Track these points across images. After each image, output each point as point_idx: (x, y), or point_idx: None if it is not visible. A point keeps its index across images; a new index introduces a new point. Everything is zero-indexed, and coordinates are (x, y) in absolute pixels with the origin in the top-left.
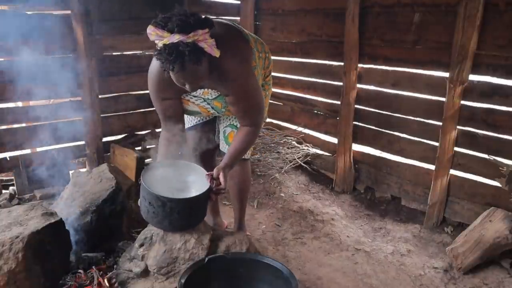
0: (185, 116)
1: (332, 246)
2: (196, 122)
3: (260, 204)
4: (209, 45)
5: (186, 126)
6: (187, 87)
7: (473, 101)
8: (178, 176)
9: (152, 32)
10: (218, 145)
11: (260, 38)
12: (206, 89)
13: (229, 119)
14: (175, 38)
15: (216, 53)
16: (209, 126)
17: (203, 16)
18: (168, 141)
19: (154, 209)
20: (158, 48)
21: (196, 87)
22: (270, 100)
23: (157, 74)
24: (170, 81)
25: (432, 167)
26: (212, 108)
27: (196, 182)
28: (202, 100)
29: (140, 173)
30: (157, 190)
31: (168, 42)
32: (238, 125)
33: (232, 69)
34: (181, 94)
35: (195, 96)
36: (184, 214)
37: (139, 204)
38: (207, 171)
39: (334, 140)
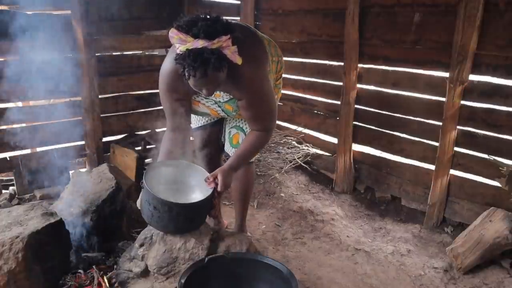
0: (193, 116)
1: (332, 246)
2: (203, 122)
3: (260, 204)
4: (231, 52)
5: (194, 126)
6: (203, 91)
7: (473, 101)
8: (180, 176)
9: (174, 35)
10: (224, 146)
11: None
12: (218, 92)
13: (236, 121)
14: (199, 43)
15: (238, 60)
16: (217, 127)
17: (225, 21)
18: (173, 141)
19: (160, 213)
20: (180, 53)
21: (213, 92)
22: None
23: (170, 74)
24: (183, 82)
25: (432, 167)
26: (223, 110)
27: (198, 183)
28: (213, 102)
29: (140, 173)
30: (160, 193)
31: (191, 47)
32: (244, 127)
33: (248, 74)
34: (192, 95)
35: (206, 98)
36: (190, 218)
37: (138, 207)
38: (212, 172)
39: (334, 140)
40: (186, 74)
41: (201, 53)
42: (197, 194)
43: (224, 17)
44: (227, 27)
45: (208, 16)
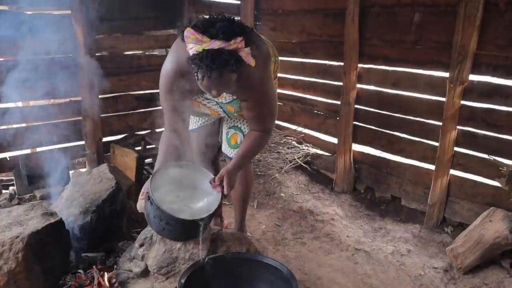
0: (190, 117)
1: (332, 246)
2: (201, 123)
3: (260, 204)
4: (246, 54)
5: (191, 127)
6: (213, 92)
7: (473, 101)
8: (183, 178)
9: (190, 35)
10: (221, 147)
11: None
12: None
13: (234, 121)
14: (216, 44)
15: (252, 62)
16: (214, 127)
17: (241, 22)
18: (171, 141)
19: (172, 228)
20: (196, 53)
21: (222, 93)
22: None
23: (171, 74)
24: (184, 82)
25: (432, 167)
26: (224, 111)
27: (202, 185)
28: (215, 103)
29: (140, 173)
30: (164, 196)
31: (207, 48)
32: (242, 128)
33: (255, 75)
34: (193, 96)
35: (207, 99)
36: (201, 228)
37: (139, 210)
38: (210, 172)
39: (334, 140)
40: (200, 74)
41: (219, 54)
42: (202, 196)
43: (240, 21)
44: (243, 29)
45: (225, 17)
